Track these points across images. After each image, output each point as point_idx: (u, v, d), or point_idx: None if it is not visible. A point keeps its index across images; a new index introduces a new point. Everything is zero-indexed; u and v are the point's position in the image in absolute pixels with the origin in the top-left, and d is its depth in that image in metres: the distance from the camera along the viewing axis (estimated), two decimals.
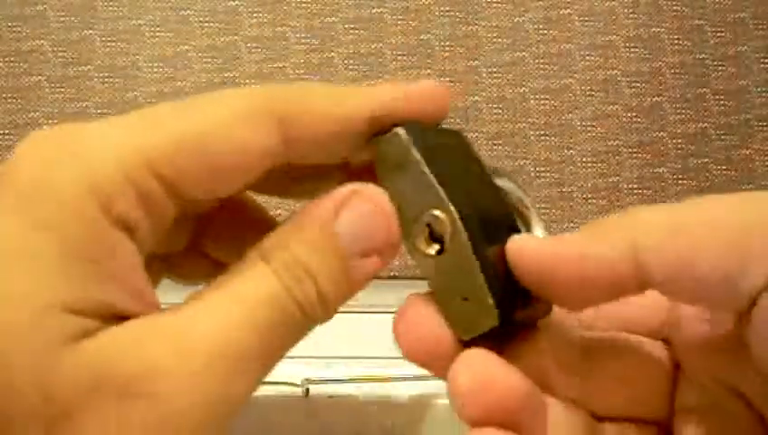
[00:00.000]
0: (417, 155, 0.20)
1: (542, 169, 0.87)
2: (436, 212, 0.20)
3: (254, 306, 0.19)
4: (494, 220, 0.21)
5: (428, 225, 0.20)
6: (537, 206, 0.86)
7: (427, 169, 0.20)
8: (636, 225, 0.18)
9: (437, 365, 0.20)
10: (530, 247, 0.20)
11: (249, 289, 0.19)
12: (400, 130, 0.20)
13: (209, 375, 0.17)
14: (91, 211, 0.17)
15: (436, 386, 0.42)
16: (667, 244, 0.18)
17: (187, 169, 0.19)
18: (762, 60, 0.90)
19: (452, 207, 0.20)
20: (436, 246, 0.20)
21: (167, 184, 0.19)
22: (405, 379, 0.44)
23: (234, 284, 0.19)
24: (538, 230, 0.24)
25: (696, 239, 0.17)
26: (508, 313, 0.20)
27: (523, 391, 0.20)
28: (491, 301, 0.20)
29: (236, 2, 0.86)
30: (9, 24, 0.84)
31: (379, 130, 0.21)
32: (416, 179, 0.20)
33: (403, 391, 0.43)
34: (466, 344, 0.20)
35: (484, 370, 0.19)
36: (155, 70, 0.85)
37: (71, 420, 0.17)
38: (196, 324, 0.18)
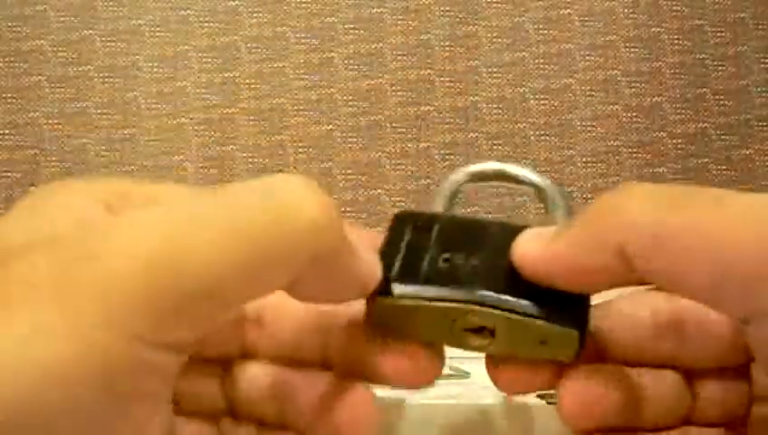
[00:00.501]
0: (413, 300, 0.20)
1: (542, 169, 0.87)
2: (468, 317, 0.21)
3: (238, 186, 0.18)
4: (506, 265, 0.21)
5: (466, 329, 0.21)
6: (537, 206, 0.86)
7: (432, 301, 0.20)
8: (624, 227, 0.18)
9: None
10: (530, 254, 0.20)
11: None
12: (384, 300, 0.20)
13: (153, 232, 0.17)
14: None
15: (434, 387, 0.42)
16: (653, 254, 0.18)
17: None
18: (762, 60, 0.90)
19: (479, 308, 0.20)
20: (487, 334, 0.21)
21: None
22: None
23: None
24: (559, 211, 0.23)
25: (681, 252, 0.17)
26: (582, 323, 0.20)
27: (622, 403, 0.21)
28: (562, 329, 0.20)
29: (236, 2, 0.86)
30: (9, 24, 0.84)
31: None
32: (428, 312, 0.21)
33: (401, 391, 0.43)
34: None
35: (585, 394, 0.21)
36: (155, 70, 0.85)
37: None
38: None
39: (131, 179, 0.20)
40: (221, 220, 0.17)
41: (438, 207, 0.24)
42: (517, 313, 0.20)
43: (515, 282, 0.20)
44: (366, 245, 0.20)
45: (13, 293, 0.17)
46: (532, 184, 0.25)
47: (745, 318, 0.18)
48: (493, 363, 0.22)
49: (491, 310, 0.20)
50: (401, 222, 0.22)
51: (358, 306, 0.21)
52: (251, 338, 0.22)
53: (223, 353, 0.22)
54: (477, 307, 0.21)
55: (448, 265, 0.21)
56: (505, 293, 0.21)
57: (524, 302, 0.20)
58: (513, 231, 0.21)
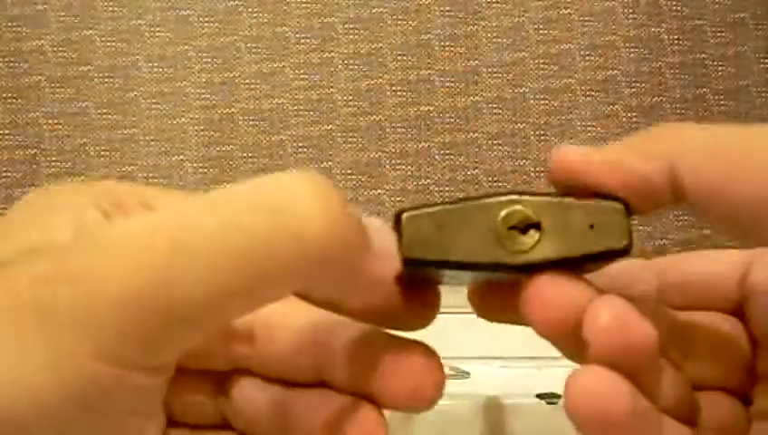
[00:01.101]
0: (449, 206, 0.19)
1: (542, 169, 0.87)
2: (513, 210, 0.20)
3: (232, 193, 0.16)
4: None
5: (511, 228, 0.20)
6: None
7: (466, 202, 0.20)
8: (678, 141, 0.18)
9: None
10: (572, 157, 0.19)
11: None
12: (417, 212, 0.19)
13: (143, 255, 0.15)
14: None
15: None
16: (704, 166, 0.17)
17: None
18: (762, 60, 0.90)
19: (521, 196, 0.20)
20: (534, 232, 0.20)
21: None
22: None
23: None
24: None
25: (733, 164, 0.17)
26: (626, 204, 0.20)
27: (655, 341, 0.19)
28: (606, 203, 0.19)
29: (236, 2, 0.86)
30: (9, 24, 0.84)
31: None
32: (468, 215, 0.20)
33: None
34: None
35: (624, 312, 0.19)
36: (155, 70, 0.85)
37: None
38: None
39: (128, 183, 0.20)
40: (211, 238, 0.16)
41: None
42: (559, 194, 0.20)
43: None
44: (377, 227, 0.19)
45: None
46: None
47: None
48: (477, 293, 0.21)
49: (534, 197, 0.20)
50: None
51: (356, 325, 0.21)
52: (242, 353, 0.21)
53: (212, 367, 0.22)
54: (519, 196, 0.20)
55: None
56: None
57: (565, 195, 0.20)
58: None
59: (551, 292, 0.19)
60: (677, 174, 0.18)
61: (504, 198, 0.20)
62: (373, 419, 0.20)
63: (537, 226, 0.20)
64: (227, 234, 0.16)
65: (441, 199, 0.22)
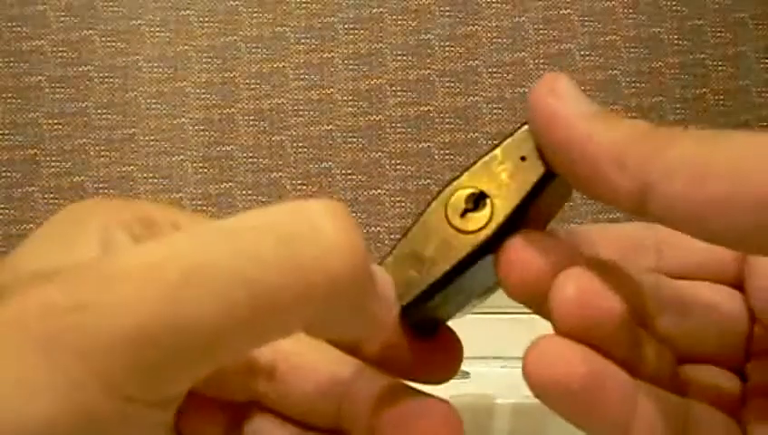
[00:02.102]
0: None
1: None
2: (454, 194, 0.20)
3: (247, 222, 0.16)
4: None
5: (464, 212, 0.20)
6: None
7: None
8: (660, 158, 0.17)
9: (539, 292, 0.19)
10: (561, 118, 0.19)
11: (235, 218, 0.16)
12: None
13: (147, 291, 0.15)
14: None
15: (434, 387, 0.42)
16: (683, 201, 0.17)
17: None
18: (762, 60, 0.90)
19: (458, 180, 0.20)
20: (485, 203, 0.20)
21: None
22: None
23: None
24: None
25: (720, 197, 0.16)
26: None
27: (623, 315, 0.19)
28: (523, 132, 0.20)
29: (236, 2, 0.86)
30: (9, 23, 0.84)
31: None
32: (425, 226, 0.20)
33: None
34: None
35: (589, 284, 0.19)
36: (155, 70, 0.85)
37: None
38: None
39: (163, 205, 0.19)
40: (225, 269, 0.15)
41: None
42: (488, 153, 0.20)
43: None
44: (376, 270, 0.18)
45: (2, 336, 0.15)
46: None
47: None
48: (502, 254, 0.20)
49: (466, 172, 0.20)
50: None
51: (382, 377, 0.20)
52: (261, 389, 0.21)
53: (228, 398, 0.21)
54: (454, 181, 0.20)
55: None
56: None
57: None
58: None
59: (521, 255, 0.19)
60: (652, 202, 0.17)
61: (443, 191, 0.20)
62: None
63: (483, 195, 0.20)
64: (242, 264, 0.15)
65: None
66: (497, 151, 0.20)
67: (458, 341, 0.21)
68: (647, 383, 0.20)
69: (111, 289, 0.15)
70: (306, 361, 0.20)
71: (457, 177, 0.20)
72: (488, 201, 0.20)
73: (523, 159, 0.20)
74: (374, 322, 0.18)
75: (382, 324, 0.18)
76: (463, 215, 0.20)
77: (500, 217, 0.19)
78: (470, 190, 0.20)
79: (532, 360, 0.18)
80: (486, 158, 0.20)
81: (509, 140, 0.20)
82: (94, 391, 0.15)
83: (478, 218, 0.20)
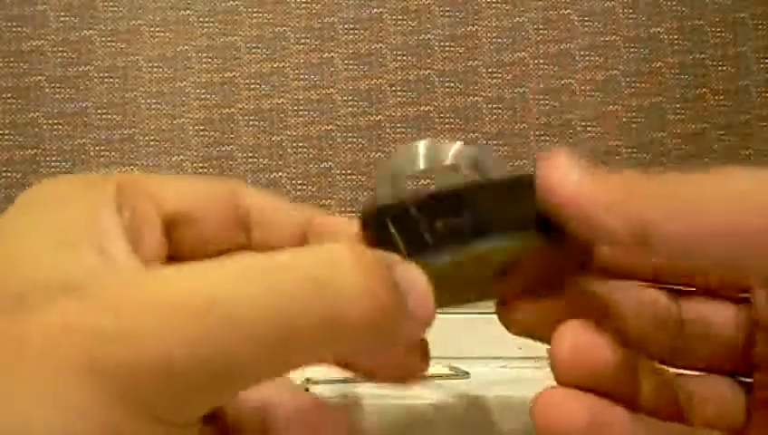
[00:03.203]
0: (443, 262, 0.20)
1: None
2: (494, 258, 0.21)
3: (257, 265, 0.16)
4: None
5: (495, 272, 0.21)
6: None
7: (459, 254, 0.20)
8: (654, 201, 0.18)
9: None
10: (564, 189, 0.20)
11: (262, 257, 0.16)
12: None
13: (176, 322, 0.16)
14: None
15: (434, 387, 0.42)
16: (674, 234, 0.18)
17: None
18: (762, 60, 0.90)
19: (500, 246, 0.20)
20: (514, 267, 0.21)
21: None
22: None
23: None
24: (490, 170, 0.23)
25: (700, 220, 0.17)
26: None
27: (618, 362, 0.21)
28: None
29: (236, 2, 0.86)
30: (9, 23, 0.84)
31: None
32: (457, 269, 0.21)
33: (401, 390, 0.43)
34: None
35: (584, 339, 0.20)
36: (155, 70, 0.85)
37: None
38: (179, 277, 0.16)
39: (137, 175, 0.19)
40: (255, 306, 0.16)
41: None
42: (538, 232, 0.20)
43: (520, 212, 0.20)
44: (412, 277, 0.19)
45: (30, 353, 0.16)
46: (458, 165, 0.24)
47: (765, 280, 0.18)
48: (502, 308, 0.22)
49: (516, 235, 0.20)
50: (374, 219, 0.21)
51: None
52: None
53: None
54: (498, 242, 0.20)
55: (446, 227, 0.21)
56: (515, 221, 0.20)
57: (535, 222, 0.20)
58: (483, 187, 0.21)
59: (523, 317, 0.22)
60: (649, 239, 0.18)
61: (488, 245, 0.20)
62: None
63: (517, 262, 0.21)
64: (273, 301, 0.16)
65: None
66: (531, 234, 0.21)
67: (425, 343, 0.22)
68: (647, 417, 0.21)
69: (153, 317, 0.15)
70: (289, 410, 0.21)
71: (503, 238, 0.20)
72: (520, 268, 0.21)
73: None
74: (406, 342, 0.19)
75: (415, 339, 0.20)
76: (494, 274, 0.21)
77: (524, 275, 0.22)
78: (506, 259, 0.21)
79: (539, 412, 0.20)
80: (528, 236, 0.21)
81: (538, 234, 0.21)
82: (124, 411, 0.15)
83: (505, 277, 0.22)
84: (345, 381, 0.44)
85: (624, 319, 0.22)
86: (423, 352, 0.22)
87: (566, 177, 0.20)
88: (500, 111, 0.87)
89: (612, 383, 0.21)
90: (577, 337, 0.20)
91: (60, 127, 0.83)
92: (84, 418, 0.15)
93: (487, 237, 0.20)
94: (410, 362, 0.21)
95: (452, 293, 0.21)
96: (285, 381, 0.22)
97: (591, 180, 0.19)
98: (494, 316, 0.23)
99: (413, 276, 0.19)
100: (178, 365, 0.15)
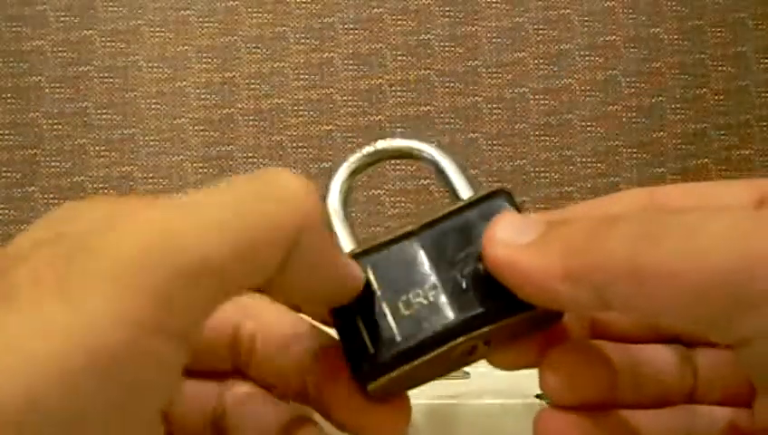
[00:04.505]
0: (404, 367, 0.20)
1: (542, 169, 0.87)
2: (462, 346, 0.21)
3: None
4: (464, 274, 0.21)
5: (464, 353, 0.21)
6: (537, 206, 0.86)
7: (422, 356, 0.20)
8: (600, 265, 0.18)
9: None
10: (500, 254, 0.20)
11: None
12: (376, 383, 0.20)
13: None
14: None
15: (434, 387, 0.42)
16: (630, 299, 0.18)
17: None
18: (762, 60, 0.90)
19: (469, 335, 0.20)
20: (482, 345, 0.21)
21: None
22: None
23: None
24: (463, 188, 0.23)
25: (659, 290, 0.18)
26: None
27: (610, 384, 0.22)
28: (547, 312, 0.20)
29: (236, 2, 0.86)
30: (9, 24, 0.84)
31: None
32: (422, 365, 0.20)
33: None
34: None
35: (571, 369, 0.22)
36: (155, 70, 0.85)
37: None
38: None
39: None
40: (211, 205, 0.18)
41: (335, 191, 0.23)
42: (505, 318, 0.20)
43: (485, 285, 0.20)
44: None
45: (19, 293, 0.17)
46: (429, 160, 0.24)
47: (735, 342, 0.18)
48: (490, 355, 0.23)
49: (480, 330, 0.20)
50: (342, 313, 0.21)
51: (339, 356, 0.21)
52: (244, 360, 0.23)
53: (214, 368, 0.23)
54: (466, 337, 0.20)
55: (412, 311, 0.20)
56: (483, 305, 0.20)
57: (504, 301, 0.20)
58: (443, 230, 0.21)
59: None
60: (607, 305, 0.19)
61: (454, 343, 0.20)
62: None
63: (487, 341, 0.21)
64: (225, 203, 0.18)
65: None
66: (521, 316, 0.21)
67: (407, 401, 0.22)
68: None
69: (117, 231, 0.17)
70: (278, 335, 0.23)
71: (471, 327, 0.20)
72: (486, 346, 0.21)
73: (533, 325, 0.21)
74: (341, 277, 0.20)
75: (349, 282, 0.20)
76: (461, 354, 0.21)
77: (495, 349, 0.22)
78: (476, 343, 0.21)
79: (538, 432, 0.22)
80: (508, 320, 0.21)
81: (535, 313, 0.21)
82: (109, 320, 0.16)
83: (474, 354, 0.21)
84: None
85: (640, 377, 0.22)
86: (408, 407, 0.22)
87: (511, 251, 0.20)
88: (500, 111, 0.87)
89: (611, 395, 0.22)
90: (564, 368, 0.21)
91: (60, 127, 0.83)
92: (68, 336, 0.16)
93: (462, 335, 0.20)
94: (389, 420, 0.22)
95: (421, 377, 0.21)
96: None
97: (537, 251, 0.20)
98: None
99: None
100: (152, 262, 0.17)
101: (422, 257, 0.20)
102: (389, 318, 0.20)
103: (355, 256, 0.20)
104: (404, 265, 0.20)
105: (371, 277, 0.20)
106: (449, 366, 0.21)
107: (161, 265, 0.17)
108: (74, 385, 0.16)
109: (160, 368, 0.17)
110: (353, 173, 0.24)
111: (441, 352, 0.20)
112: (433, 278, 0.20)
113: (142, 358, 0.17)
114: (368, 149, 0.24)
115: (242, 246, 0.18)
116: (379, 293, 0.20)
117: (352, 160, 0.24)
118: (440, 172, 0.24)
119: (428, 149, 0.25)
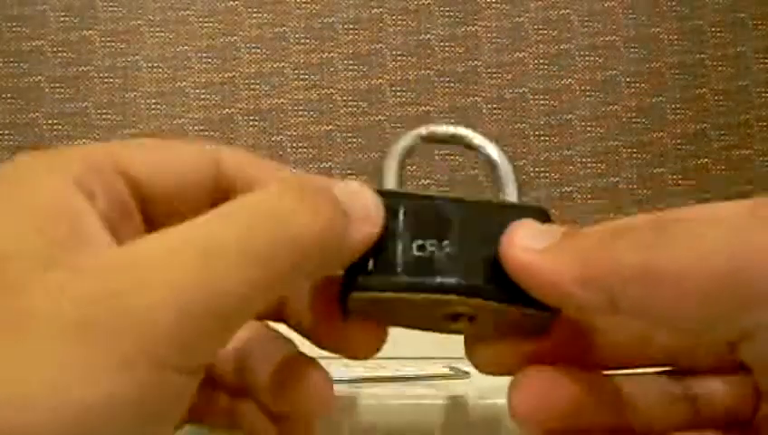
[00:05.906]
0: (391, 293, 0.20)
1: (542, 169, 0.87)
2: (448, 307, 0.21)
3: (238, 208, 0.18)
4: (483, 252, 0.21)
5: (446, 316, 0.21)
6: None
7: (411, 293, 0.20)
8: (613, 269, 0.19)
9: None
10: (521, 261, 0.21)
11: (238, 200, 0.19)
12: (361, 295, 0.20)
13: (177, 264, 0.17)
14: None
15: (434, 387, 0.42)
16: (643, 301, 0.19)
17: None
18: (761, 60, 0.90)
19: (459, 298, 0.20)
20: (466, 319, 0.21)
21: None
22: (405, 379, 0.44)
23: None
24: (510, 189, 0.24)
25: (668, 292, 0.18)
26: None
27: (577, 402, 0.22)
28: (537, 312, 0.20)
29: (236, 2, 0.86)
30: (9, 23, 0.84)
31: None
32: (406, 303, 0.21)
33: (402, 391, 0.43)
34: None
35: (537, 392, 0.22)
36: (155, 70, 0.85)
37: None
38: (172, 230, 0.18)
39: (100, 146, 0.20)
40: (237, 242, 0.18)
41: (390, 170, 0.23)
42: (497, 300, 0.20)
43: (492, 268, 0.21)
44: (354, 190, 0.20)
45: (32, 327, 0.16)
46: (484, 155, 0.24)
47: (739, 337, 0.19)
48: (470, 343, 0.22)
49: (472, 299, 0.21)
50: None
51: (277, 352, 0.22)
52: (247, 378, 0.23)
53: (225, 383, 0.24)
54: (457, 297, 0.21)
55: (423, 254, 0.21)
56: (484, 280, 0.21)
57: (502, 289, 0.20)
58: (480, 211, 0.21)
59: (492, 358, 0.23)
60: (619, 309, 0.19)
61: (444, 297, 0.20)
62: (323, 381, 0.22)
63: (471, 317, 0.21)
64: (250, 237, 0.18)
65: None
66: (512, 308, 0.21)
67: (384, 329, 0.22)
68: None
69: (143, 273, 0.17)
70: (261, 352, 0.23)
71: (464, 291, 0.21)
72: (470, 322, 0.21)
73: (520, 324, 0.21)
74: (352, 244, 0.20)
75: (360, 241, 0.21)
76: (444, 316, 0.21)
77: (477, 332, 0.21)
78: (462, 312, 0.21)
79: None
80: (498, 305, 0.21)
81: (526, 309, 0.21)
82: (137, 364, 0.16)
83: (455, 323, 0.21)
84: (344, 381, 0.44)
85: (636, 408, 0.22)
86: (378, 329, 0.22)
87: (528, 254, 0.21)
88: (500, 111, 0.87)
89: (590, 414, 0.22)
90: (533, 388, 0.22)
91: (60, 127, 0.83)
92: (97, 377, 0.16)
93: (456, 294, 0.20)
94: (366, 336, 0.22)
95: (409, 315, 0.21)
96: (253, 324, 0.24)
97: (553, 255, 0.20)
98: None
99: (351, 189, 0.21)
100: (181, 307, 0.17)
101: (453, 223, 0.21)
102: (399, 252, 0.21)
103: (392, 194, 0.21)
104: (434, 219, 0.21)
105: (400, 217, 0.21)
106: (430, 323, 0.22)
107: (194, 313, 0.17)
108: (105, 428, 0.16)
109: (180, 398, 0.18)
110: (407, 153, 0.24)
111: (429, 301, 0.21)
112: (455, 240, 0.21)
113: (166, 394, 0.17)
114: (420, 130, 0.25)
115: (268, 285, 0.18)
116: (400, 229, 0.21)
117: (405, 140, 0.24)
118: (493, 169, 0.24)
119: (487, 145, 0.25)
